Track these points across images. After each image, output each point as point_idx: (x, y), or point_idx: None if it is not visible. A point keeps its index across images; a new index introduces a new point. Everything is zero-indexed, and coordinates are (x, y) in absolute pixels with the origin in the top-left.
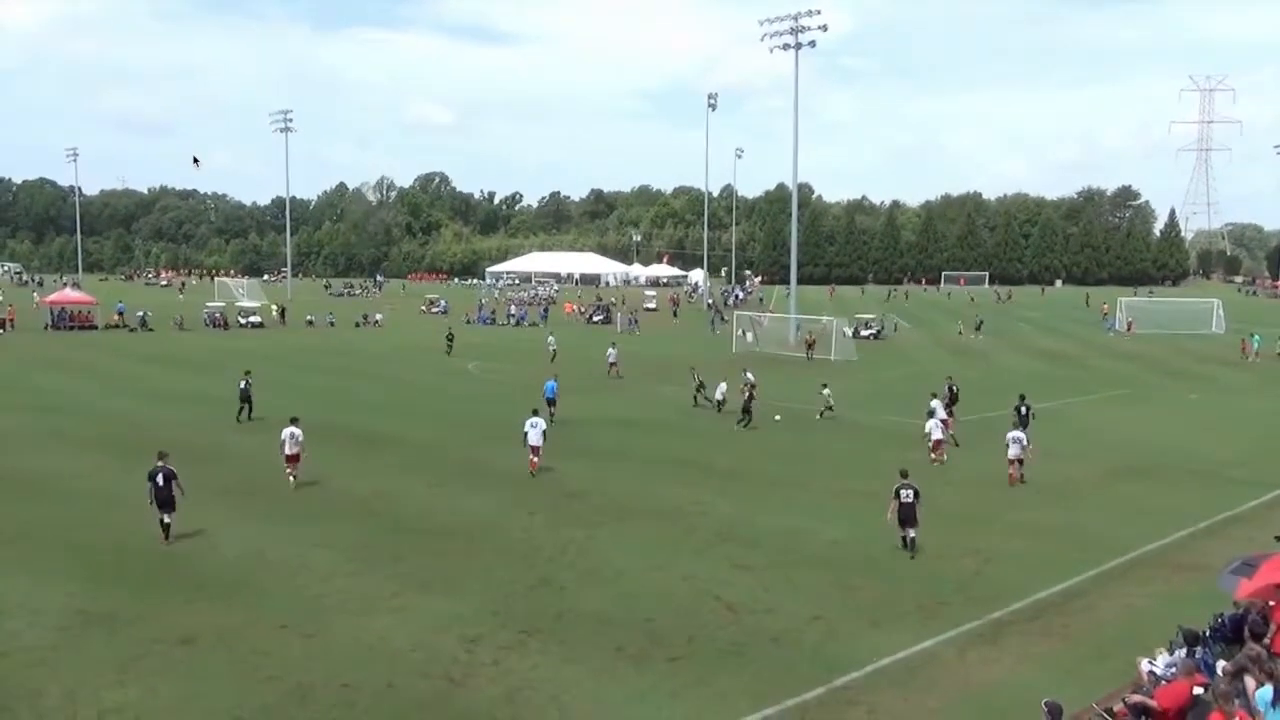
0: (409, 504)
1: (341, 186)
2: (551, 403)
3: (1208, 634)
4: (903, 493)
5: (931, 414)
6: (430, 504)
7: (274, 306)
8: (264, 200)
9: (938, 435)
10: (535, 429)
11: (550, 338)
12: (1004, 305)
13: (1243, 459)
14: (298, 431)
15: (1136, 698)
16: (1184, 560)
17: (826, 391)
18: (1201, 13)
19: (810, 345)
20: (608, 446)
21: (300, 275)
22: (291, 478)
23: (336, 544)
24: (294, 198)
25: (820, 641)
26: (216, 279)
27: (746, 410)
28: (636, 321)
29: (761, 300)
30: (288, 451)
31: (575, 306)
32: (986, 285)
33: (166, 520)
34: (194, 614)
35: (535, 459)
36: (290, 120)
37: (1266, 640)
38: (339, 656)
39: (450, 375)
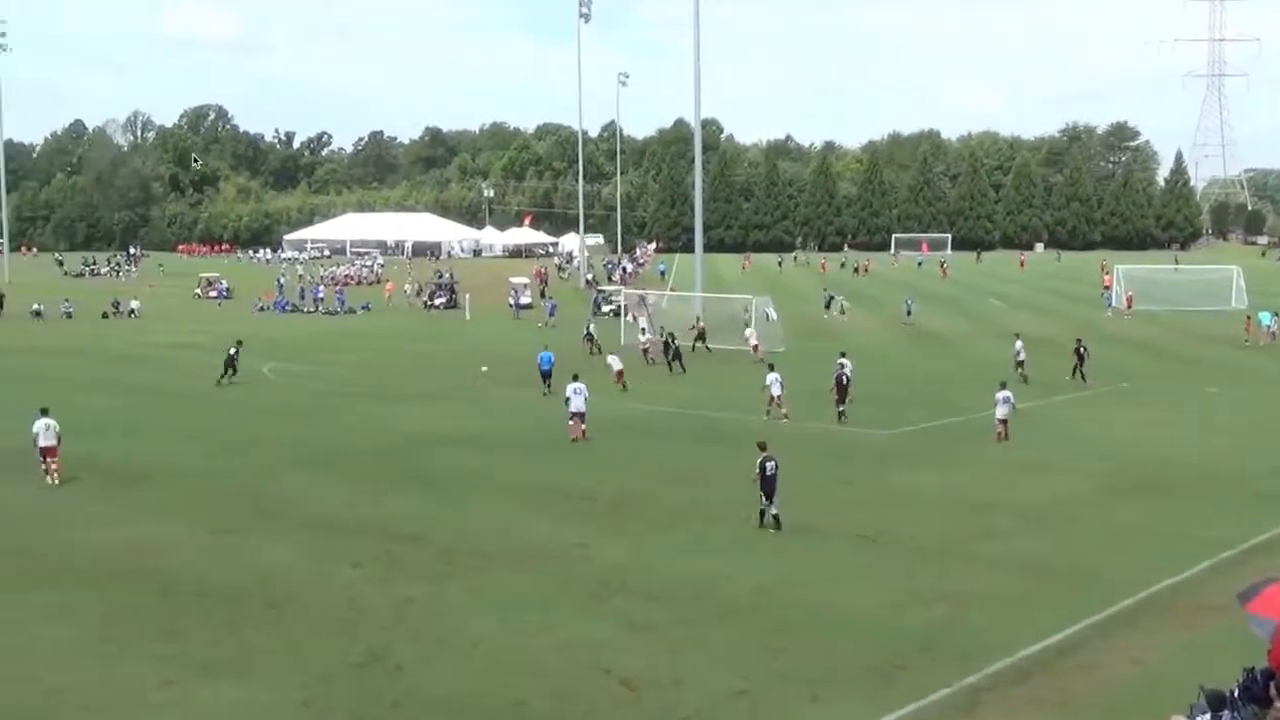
0: (182, 558)
1: (78, 126)
2: (546, 376)
3: (1235, 694)
4: (767, 465)
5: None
6: (212, 557)
7: None
8: None
9: (776, 391)
10: (579, 395)
11: None
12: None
13: (1275, 468)
14: (52, 422)
15: None
16: (1206, 600)
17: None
18: None
19: (701, 335)
20: (452, 472)
21: (22, 249)
22: (53, 474)
23: (79, 616)
24: (10, 142)
25: None
26: None
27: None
28: (556, 307)
29: (664, 274)
30: (42, 444)
31: (410, 287)
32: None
33: None
34: None
35: (582, 426)
36: (1, 36)
37: None
38: None
39: (236, 383)
